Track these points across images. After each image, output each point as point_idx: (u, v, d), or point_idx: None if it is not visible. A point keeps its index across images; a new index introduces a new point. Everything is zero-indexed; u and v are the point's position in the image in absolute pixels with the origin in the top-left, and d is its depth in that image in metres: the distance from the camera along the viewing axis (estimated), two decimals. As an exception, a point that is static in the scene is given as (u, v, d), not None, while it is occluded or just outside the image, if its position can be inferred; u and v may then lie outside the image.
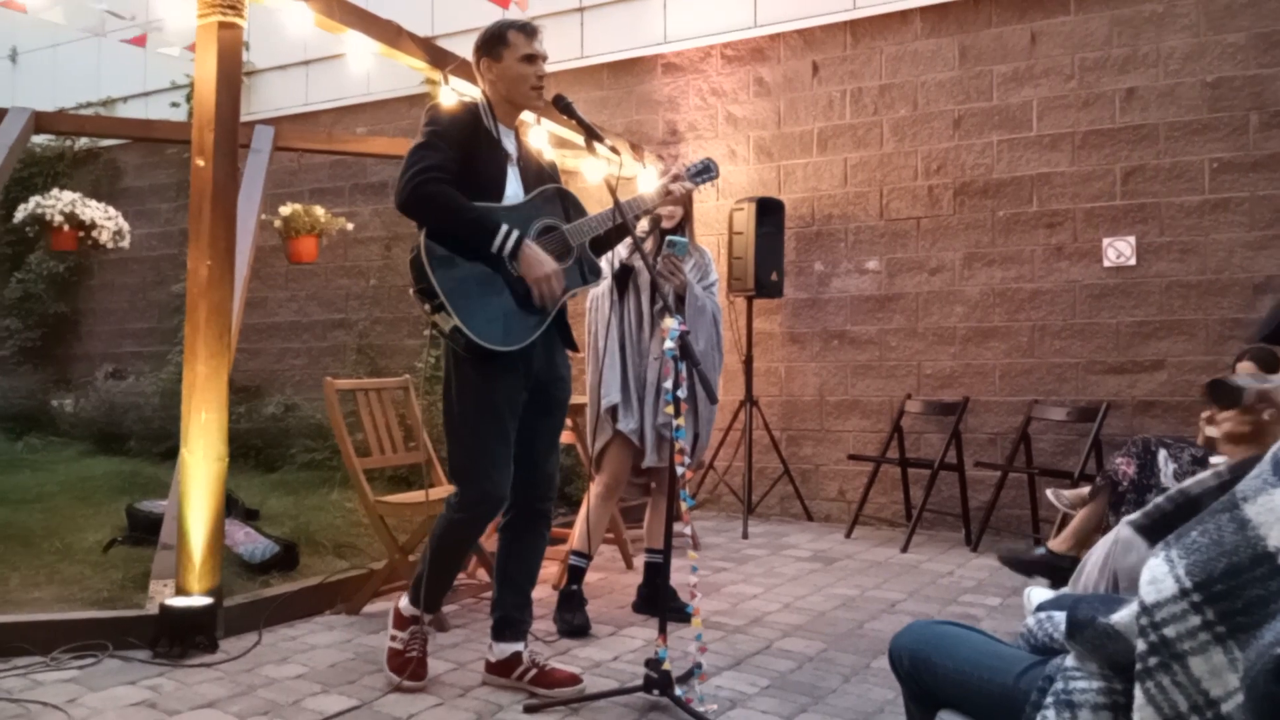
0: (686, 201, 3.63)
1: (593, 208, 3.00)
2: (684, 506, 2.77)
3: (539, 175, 2.98)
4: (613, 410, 3.58)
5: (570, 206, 2.99)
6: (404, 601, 2.93)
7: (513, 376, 2.80)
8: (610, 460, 3.65)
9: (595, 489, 3.67)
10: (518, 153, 2.95)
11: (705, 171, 3.25)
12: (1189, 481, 1.41)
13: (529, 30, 2.88)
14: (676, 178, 3.12)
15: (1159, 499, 1.42)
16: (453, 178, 2.73)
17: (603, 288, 3.59)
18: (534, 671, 2.84)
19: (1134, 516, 1.45)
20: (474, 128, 2.86)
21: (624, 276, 3.57)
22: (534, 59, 2.86)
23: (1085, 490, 4.38)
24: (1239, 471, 1.38)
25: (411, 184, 2.70)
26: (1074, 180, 5.46)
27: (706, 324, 3.63)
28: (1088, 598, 1.62)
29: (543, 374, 2.89)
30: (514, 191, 2.87)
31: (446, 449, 2.93)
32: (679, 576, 3.65)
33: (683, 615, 3.35)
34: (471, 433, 2.80)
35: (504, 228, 2.73)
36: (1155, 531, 1.37)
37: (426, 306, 2.73)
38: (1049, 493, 4.54)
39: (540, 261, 2.76)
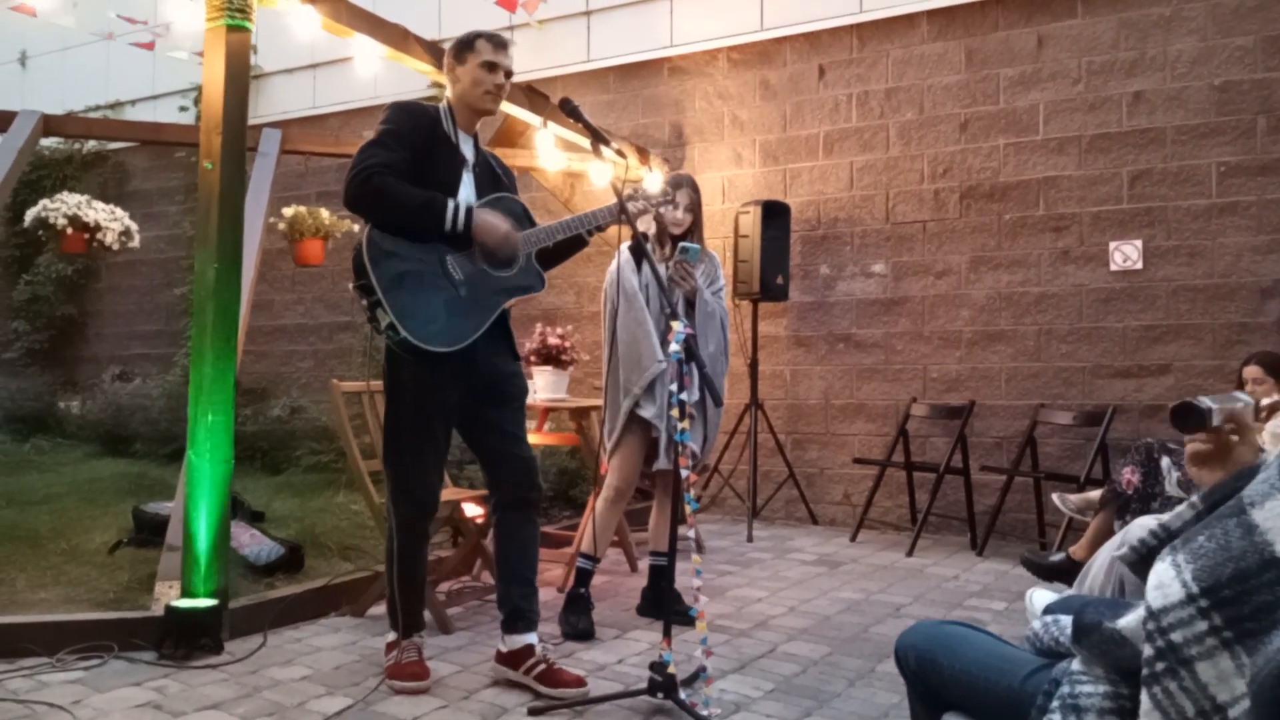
0: (695, 208, 3.64)
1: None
2: (688, 510, 2.76)
3: (494, 184, 3.01)
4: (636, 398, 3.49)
5: (525, 216, 3.01)
6: (390, 636, 2.97)
7: (449, 379, 2.82)
8: (621, 460, 3.59)
9: (604, 493, 3.64)
10: (474, 159, 2.98)
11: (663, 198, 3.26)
12: (1168, 516, 1.40)
13: (497, 41, 2.93)
14: (630, 198, 3.11)
15: (1144, 534, 1.41)
16: (400, 176, 2.75)
17: (619, 263, 3.56)
18: (542, 666, 2.84)
19: (1122, 552, 1.45)
20: (432, 130, 2.89)
21: (638, 249, 3.51)
22: (494, 68, 2.90)
23: (1092, 494, 4.37)
24: (1210, 499, 1.38)
25: (358, 180, 2.74)
26: (1081, 184, 5.45)
27: (716, 329, 3.63)
28: (1094, 601, 1.61)
29: (490, 373, 2.92)
30: (466, 196, 2.90)
31: (382, 449, 2.96)
32: (683, 580, 3.65)
33: (687, 619, 3.34)
34: (403, 438, 2.86)
35: (452, 203, 2.79)
36: (1143, 566, 1.37)
37: (364, 302, 2.76)
38: (1055, 497, 4.53)
39: (494, 225, 2.82)
